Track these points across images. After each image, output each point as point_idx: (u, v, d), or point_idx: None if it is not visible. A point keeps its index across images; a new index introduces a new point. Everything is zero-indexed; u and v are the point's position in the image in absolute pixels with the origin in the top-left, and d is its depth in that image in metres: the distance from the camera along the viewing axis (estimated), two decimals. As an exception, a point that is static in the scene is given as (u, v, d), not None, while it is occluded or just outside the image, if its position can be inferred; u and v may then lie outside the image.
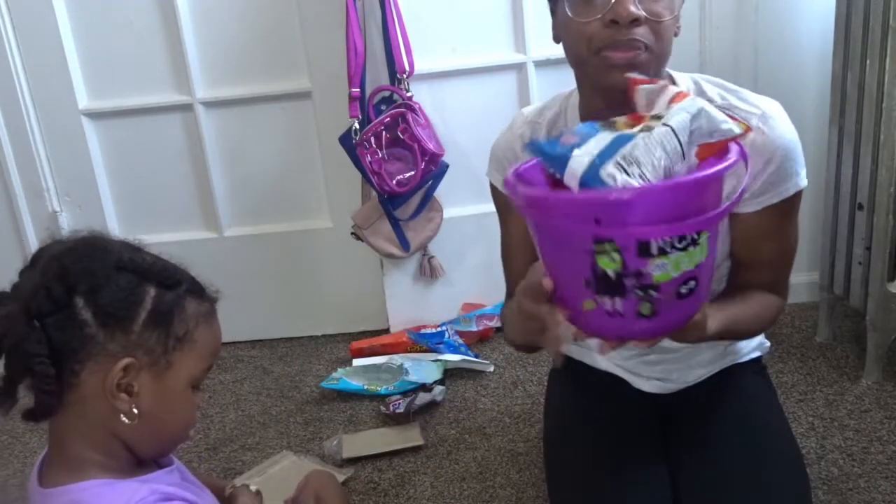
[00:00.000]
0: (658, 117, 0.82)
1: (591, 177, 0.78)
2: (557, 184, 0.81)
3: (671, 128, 0.80)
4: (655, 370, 1.25)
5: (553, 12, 1.08)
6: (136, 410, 0.78)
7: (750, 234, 1.10)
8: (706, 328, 0.89)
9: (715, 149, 0.82)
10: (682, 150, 0.80)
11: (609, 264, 0.77)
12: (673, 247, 0.76)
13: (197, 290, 0.83)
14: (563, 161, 0.80)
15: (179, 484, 0.86)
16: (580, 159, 0.79)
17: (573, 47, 1.04)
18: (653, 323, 0.80)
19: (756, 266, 1.13)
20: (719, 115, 0.82)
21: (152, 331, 0.78)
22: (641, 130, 0.80)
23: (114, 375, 0.76)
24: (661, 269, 0.77)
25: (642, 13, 0.97)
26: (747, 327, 1.11)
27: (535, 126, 1.19)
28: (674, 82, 1.08)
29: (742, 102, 1.07)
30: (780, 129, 1.05)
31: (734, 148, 0.82)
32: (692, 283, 0.79)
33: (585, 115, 1.11)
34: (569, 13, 1.01)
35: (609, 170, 0.77)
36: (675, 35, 1.04)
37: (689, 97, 0.83)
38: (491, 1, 2.03)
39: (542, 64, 2.05)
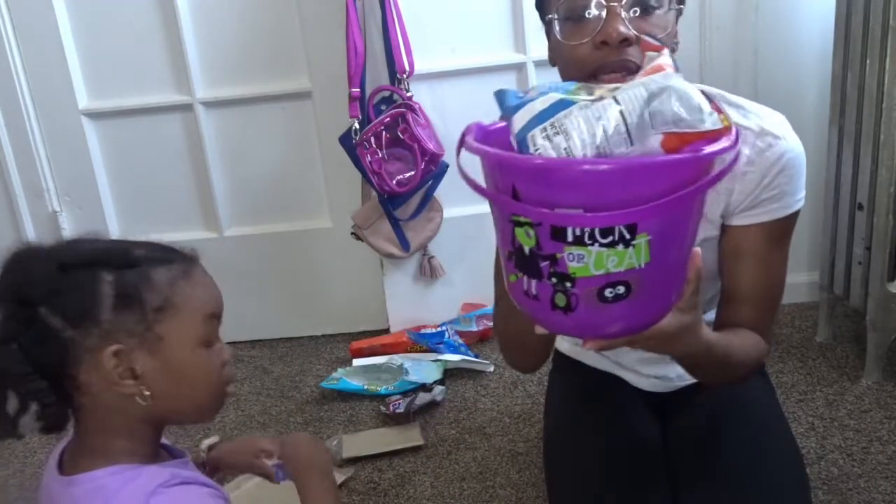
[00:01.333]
0: (616, 89, 0.71)
1: (521, 138, 0.71)
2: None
3: (616, 101, 0.69)
4: (654, 369, 1.25)
5: (547, 35, 1.07)
6: (147, 392, 0.78)
7: (733, 250, 1.05)
8: (699, 337, 0.82)
9: (686, 140, 0.69)
10: (628, 131, 0.68)
11: (525, 239, 0.69)
12: (594, 238, 0.66)
13: (160, 257, 0.81)
14: (510, 116, 0.73)
15: (198, 474, 0.87)
16: (521, 116, 0.72)
17: (566, 71, 1.02)
18: (569, 319, 0.71)
19: (740, 298, 1.06)
20: (696, 101, 0.69)
21: (124, 313, 0.77)
22: (594, 101, 0.70)
23: (107, 366, 0.76)
24: (579, 261, 0.67)
25: (632, 33, 0.94)
26: (738, 360, 1.00)
27: None
28: None
29: (742, 115, 1.04)
30: (777, 146, 1.02)
31: (705, 144, 0.68)
32: (621, 288, 0.68)
33: None
34: (559, 37, 1.00)
35: (534, 133, 0.70)
36: (673, 52, 1.00)
37: (664, 72, 0.72)
38: (491, 1, 2.03)
39: (542, 64, 2.05)
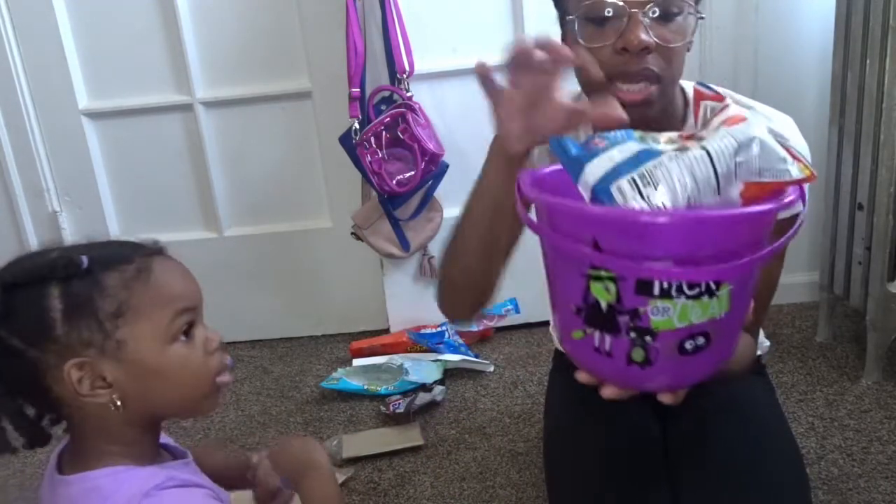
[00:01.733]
0: (700, 139, 0.71)
1: (602, 189, 0.68)
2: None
3: (708, 153, 0.68)
4: None
5: (563, 34, 1.07)
6: (118, 400, 0.76)
7: None
8: None
9: (766, 190, 0.69)
10: (717, 182, 0.68)
11: (603, 294, 0.67)
12: (681, 291, 0.64)
13: (115, 258, 0.78)
14: (579, 165, 0.70)
15: (198, 475, 0.86)
16: (597, 166, 0.69)
17: (582, 73, 1.02)
18: (645, 373, 0.69)
19: None
20: (778, 151, 0.70)
21: (77, 325, 0.74)
22: (677, 150, 0.69)
23: (73, 380, 0.75)
24: (663, 315, 0.65)
25: (653, 40, 0.95)
26: (737, 366, 1.02)
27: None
28: (683, 92, 1.07)
29: (752, 116, 1.05)
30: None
31: (791, 193, 0.68)
32: (701, 339, 0.67)
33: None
34: (579, 39, 0.99)
35: (621, 184, 0.67)
36: (688, 50, 1.03)
37: (745, 122, 0.71)
38: (491, 1, 2.03)
39: (542, 64, 2.05)
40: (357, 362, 2.11)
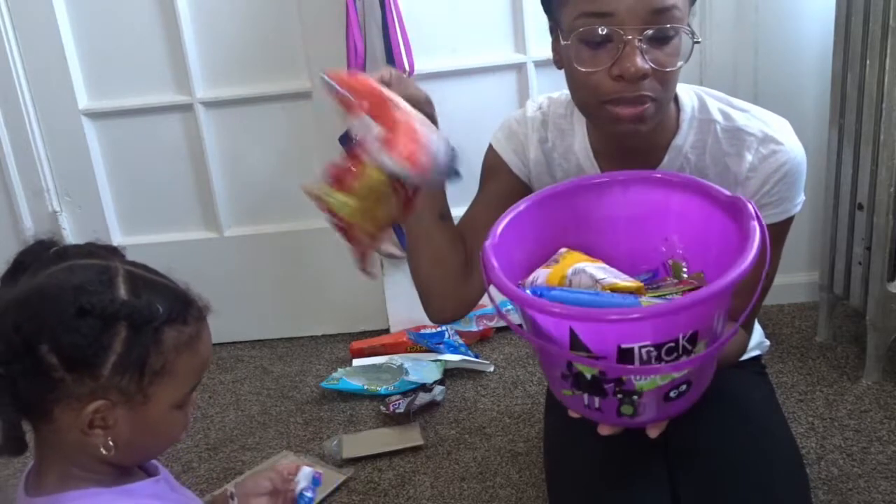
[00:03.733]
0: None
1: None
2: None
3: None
4: None
5: (552, 32, 1.06)
6: (111, 443, 0.77)
7: None
8: None
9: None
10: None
11: (587, 370, 0.73)
12: (660, 359, 0.70)
13: (179, 314, 0.78)
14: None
15: (167, 495, 0.85)
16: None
17: (578, 93, 1.02)
18: (634, 420, 0.77)
19: (732, 295, 1.06)
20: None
21: (123, 373, 0.74)
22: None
23: (85, 417, 0.75)
24: (644, 380, 0.71)
25: (649, 66, 0.94)
26: (724, 360, 1.03)
27: (543, 119, 1.17)
28: (678, 108, 1.07)
29: (746, 120, 1.05)
30: (779, 154, 1.03)
31: (749, 246, 0.76)
32: (684, 386, 0.75)
33: (591, 132, 1.11)
34: (574, 63, 0.98)
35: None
36: (697, 43, 1.02)
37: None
38: (491, 1, 2.03)
39: (542, 64, 2.05)
40: (357, 362, 2.11)
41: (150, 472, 0.87)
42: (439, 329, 2.12)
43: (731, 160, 1.05)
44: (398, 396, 1.86)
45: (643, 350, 0.71)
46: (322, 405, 1.95)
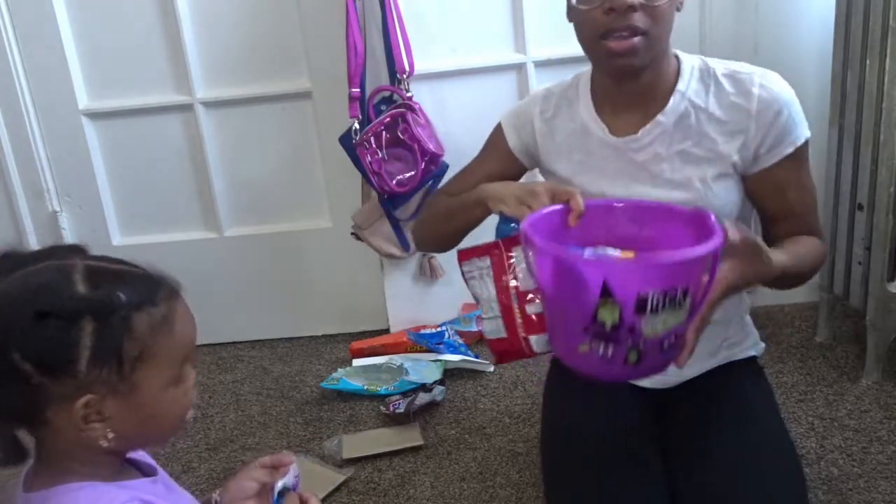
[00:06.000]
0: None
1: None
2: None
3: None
4: None
5: None
6: (111, 434, 0.76)
7: (776, 186, 1.17)
8: (772, 263, 0.98)
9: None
10: None
11: (608, 316, 0.87)
12: (663, 306, 0.86)
13: (146, 298, 0.77)
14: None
15: (163, 495, 0.85)
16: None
17: (579, 32, 1.13)
18: (636, 369, 0.92)
19: (789, 217, 1.19)
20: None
21: (101, 366, 0.73)
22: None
23: (76, 414, 0.74)
24: (651, 326, 0.88)
25: (637, 0, 1.04)
26: (808, 263, 1.15)
27: (548, 94, 1.28)
28: (678, 62, 1.18)
29: (743, 68, 1.17)
30: (782, 85, 1.15)
31: (717, 232, 0.89)
32: (673, 338, 0.91)
33: (596, 89, 1.22)
34: (572, 1, 1.09)
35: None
36: (678, 10, 1.11)
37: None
38: (491, 1, 2.03)
39: (542, 64, 2.05)
40: (357, 362, 2.11)
41: (147, 473, 0.87)
42: (439, 329, 2.12)
43: (736, 98, 1.14)
44: (398, 396, 1.86)
45: (655, 297, 0.85)
46: (322, 405, 1.95)
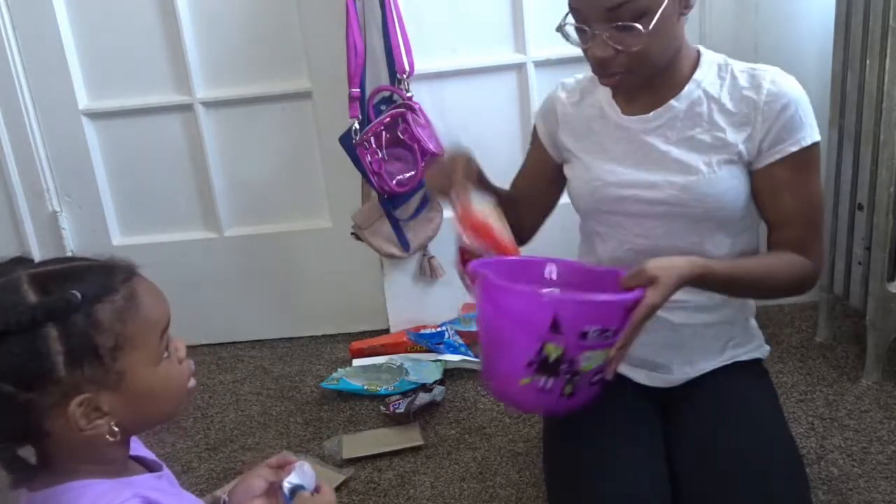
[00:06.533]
0: None
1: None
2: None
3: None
4: (655, 349, 1.25)
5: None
6: (116, 427, 0.76)
7: (773, 188, 1.17)
8: (683, 272, 1.04)
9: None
10: None
11: (553, 351, 0.96)
12: (599, 343, 0.97)
13: (102, 287, 0.76)
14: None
15: (168, 490, 0.85)
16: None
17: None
18: (569, 402, 1.01)
19: (784, 225, 1.19)
20: None
21: (80, 365, 0.73)
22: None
23: (73, 417, 0.74)
24: (587, 361, 0.98)
25: (609, 54, 1.09)
26: (776, 277, 1.16)
27: (576, 82, 1.32)
28: (699, 56, 1.20)
29: (762, 67, 1.19)
30: (792, 83, 1.16)
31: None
32: (598, 375, 1.01)
33: None
34: (575, 36, 1.14)
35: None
36: (683, 14, 1.12)
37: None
38: (491, 1, 2.03)
39: (542, 64, 2.05)
40: (357, 362, 2.11)
41: (153, 469, 0.87)
42: (439, 329, 2.12)
43: (748, 92, 1.16)
44: (398, 396, 1.86)
45: (594, 334, 0.96)
46: (322, 405, 1.95)
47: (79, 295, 0.73)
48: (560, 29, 1.14)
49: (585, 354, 0.96)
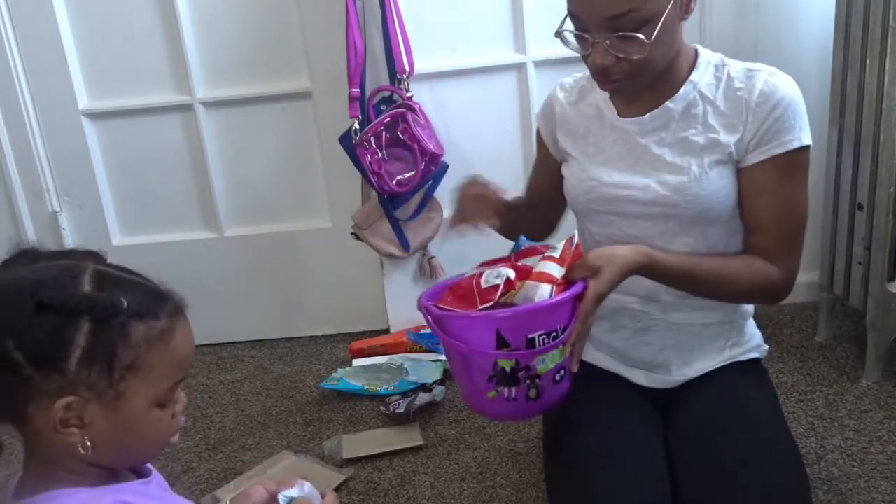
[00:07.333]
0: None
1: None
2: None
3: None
4: (654, 350, 1.26)
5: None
6: (89, 443, 0.76)
7: (752, 188, 1.16)
8: (627, 260, 1.07)
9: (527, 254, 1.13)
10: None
11: (506, 363, 1.02)
12: (547, 344, 1.02)
13: (148, 309, 0.76)
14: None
15: (157, 496, 0.85)
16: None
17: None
18: (537, 404, 1.06)
19: (754, 229, 1.17)
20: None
21: (90, 367, 0.73)
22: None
23: (55, 414, 0.73)
24: (542, 364, 1.03)
25: (609, 61, 1.08)
26: (714, 280, 1.15)
27: (574, 81, 1.32)
28: (696, 56, 1.19)
29: (758, 66, 1.18)
30: (786, 83, 1.14)
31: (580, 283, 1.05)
32: (562, 371, 1.06)
33: None
34: (574, 43, 1.13)
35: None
36: (683, 19, 1.11)
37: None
38: (491, 1, 2.03)
39: (542, 64, 2.05)
40: (357, 362, 2.11)
41: (141, 475, 0.86)
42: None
43: (742, 92, 1.15)
44: (398, 396, 1.86)
45: (541, 338, 1.01)
46: (322, 405, 1.95)
47: (125, 303, 0.74)
48: (559, 34, 1.12)
49: (539, 358, 1.02)
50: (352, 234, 2.11)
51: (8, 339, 0.71)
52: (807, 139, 1.13)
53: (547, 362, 1.03)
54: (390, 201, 2.04)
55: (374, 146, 1.96)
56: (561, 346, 1.03)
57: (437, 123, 2.03)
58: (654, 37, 1.05)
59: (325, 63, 2.06)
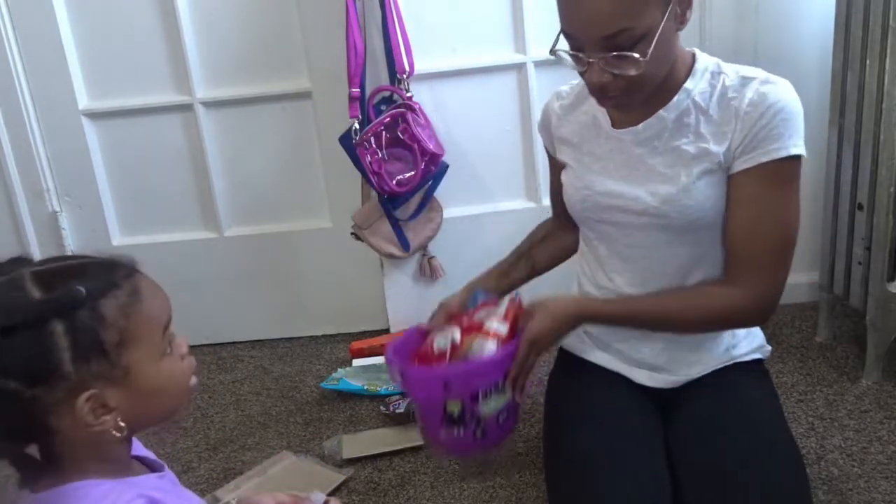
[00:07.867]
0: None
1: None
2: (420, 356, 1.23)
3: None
4: (656, 349, 1.26)
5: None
6: (122, 423, 0.77)
7: (734, 197, 1.14)
8: (568, 314, 1.15)
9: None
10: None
11: (454, 408, 1.15)
12: (491, 393, 1.14)
13: (106, 283, 0.76)
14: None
15: (170, 490, 0.85)
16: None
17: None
18: (484, 441, 1.19)
19: (730, 241, 1.16)
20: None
21: (87, 361, 0.73)
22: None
23: (80, 412, 0.74)
24: (486, 408, 1.15)
25: (606, 79, 1.06)
26: (660, 321, 1.19)
27: (570, 88, 1.32)
28: (693, 62, 1.18)
29: (752, 71, 1.15)
30: (779, 91, 1.11)
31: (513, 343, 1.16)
32: (505, 413, 1.18)
33: None
34: (570, 60, 1.11)
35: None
36: (679, 30, 1.10)
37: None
38: (491, 1, 2.03)
39: (542, 64, 2.05)
40: (357, 362, 2.11)
41: (155, 469, 0.87)
42: (439, 329, 2.12)
43: (734, 101, 1.13)
44: (398, 396, 1.85)
45: (483, 388, 1.13)
46: (322, 405, 1.95)
47: (83, 290, 0.73)
48: (553, 52, 1.11)
49: (483, 402, 1.14)
50: (352, 234, 2.11)
51: None
52: (796, 149, 1.10)
53: (490, 406, 1.15)
54: (390, 201, 2.04)
55: (374, 146, 1.96)
56: (503, 393, 1.15)
57: (437, 123, 2.03)
58: (649, 53, 1.03)
59: (325, 63, 2.06)
